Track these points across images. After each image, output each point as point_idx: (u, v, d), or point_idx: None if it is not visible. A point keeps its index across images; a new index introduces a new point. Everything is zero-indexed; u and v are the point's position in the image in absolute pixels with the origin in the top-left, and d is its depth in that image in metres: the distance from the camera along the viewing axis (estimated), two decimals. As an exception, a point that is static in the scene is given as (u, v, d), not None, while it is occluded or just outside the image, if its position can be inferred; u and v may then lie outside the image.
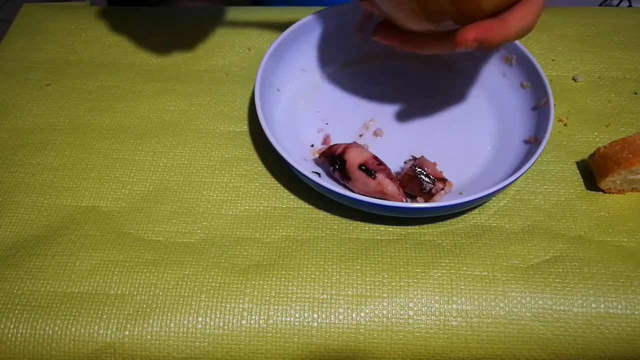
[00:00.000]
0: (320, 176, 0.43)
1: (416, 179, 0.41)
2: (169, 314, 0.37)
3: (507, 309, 0.38)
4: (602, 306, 0.38)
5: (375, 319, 0.37)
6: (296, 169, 0.40)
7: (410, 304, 0.38)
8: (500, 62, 0.49)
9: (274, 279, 0.39)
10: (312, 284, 0.39)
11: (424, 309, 0.38)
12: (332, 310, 0.38)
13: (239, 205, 0.43)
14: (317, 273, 0.39)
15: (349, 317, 0.37)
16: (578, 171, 0.45)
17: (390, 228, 0.42)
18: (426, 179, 0.41)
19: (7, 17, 1.46)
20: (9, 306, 0.37)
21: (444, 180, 0.41)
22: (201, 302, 0.38)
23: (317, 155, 0.45)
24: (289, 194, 0.44)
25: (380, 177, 0.40)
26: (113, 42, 0.55)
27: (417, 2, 0.35)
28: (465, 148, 0.46)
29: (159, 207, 0.43)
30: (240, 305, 0.38)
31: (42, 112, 0.49)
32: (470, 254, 0.40)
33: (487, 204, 0.43)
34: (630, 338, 0.37)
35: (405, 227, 0.42)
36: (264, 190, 0.44)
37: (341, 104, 0.49)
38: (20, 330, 0.36)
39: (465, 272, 0.39)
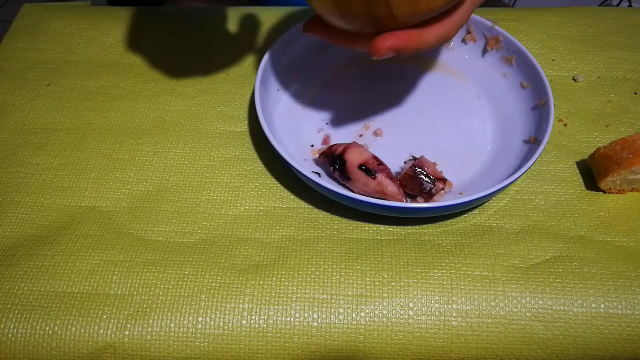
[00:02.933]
0: (320, 176, 0.43)
1: (416, 179, 0.41)
2: (169, 314, 0.37)
3: (507, 309, 0.38)
4: (602, 306, 0.38)
5: (375, 319, 0.37)
6: (296, 169, 0.40)
7: (410, 304, 0.38)
8: (500, 62, 0.49)
9: (274, 279, 0.39)
10: (312, 284, 0.39)
11: (424, 309, 0.38)
12: (332, 310, 0.38)
13: (239, 205, 0.43)
14: (317, 273, 0.39)
15: (349, 317, 0.37)
16: (578, 171, 0.45)
17: (390, 228, 0.42)
18: (426, 179, 0.41)
19: (7, 17, 1.46)
20: (9, 306, 0.37)
21: (444, 180, 0.41)
22: (201, 302, 0.38)
23: (317, 155, 0.45)
24: (289, 194, 0.44)
25: (380, 177, 0.40)
26: (113, 42, 0.55)
27: (336, 7, 0.35)
28: (465, 148, 0.46)
29: (159, 207, 0.43)
30: (240, 305, 0.38)
31: (42, 112, 0.49)
32: (470, 254, 0.40)
33: (487, 204, 0.43)
34: (630, 338, 0.37)
35: (405, 227, 0.42)
36: (264, 190, 0.44)
37: (341, 104, 0.49)
38: (20, 330, 0.36)
39: (465, 272, 0.39)
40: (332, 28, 0.38)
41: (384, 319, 0.37)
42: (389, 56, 0.36)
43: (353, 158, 0.41)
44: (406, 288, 0.38)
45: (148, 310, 0.37)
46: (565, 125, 0.48)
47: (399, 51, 0.35)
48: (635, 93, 0.50)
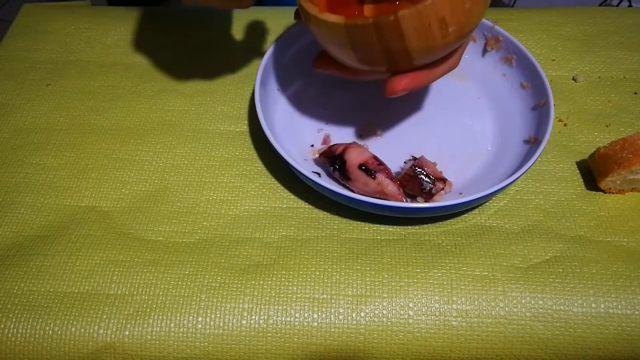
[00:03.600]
0: (320, 176, 0.43)
1: (416, 179, 0.41)
2: (169, 314, 0.37)
3: (507, 309, 0.38)
4: (602, 306, 0.38)
5: (375, 319, 0.37)
6: (296, 169, 0.40)
7: (410, 304, 0.38)
8: (500, 62, 0.49)
9: (274, 279, 0.39)
10: (312, 284, 0.39)
11: (424, 309, 0.38)
12: (332, 310, 0.38)
13: (239, 205, 0.43)
14: (317, 273, 0.39)
15: (349, 317, 0.37)
16: (578, 171, 0.45)
17: (390, 228, 0.42)
18: (426, 179, 0.41)
19: (7, 17, 1.46)
20: (9, 306, 0.37)
21: (444, 180, 0.41)
22: (201, 302, 0.38)
23: (317, 155, 0.45)
24: (289, 194, 0.44)
25: (380, 177, 0.40)
26: (113, 42, 0.55)
27: (354, 55, 0.37)
28: (465, 148, 0.46)
29: (159, 207, 0.43)
30: (240, 305, 0.38)
31: (42, 112, 0.49)
32: (470, 254, 0.40)
33: (487, 204, 0.43)
34: (630, 338, 0.37)
35: (405, 227, 0.42)
36: (264, 190, 0.44)
37: (341, 104, 0.49)
38: (20, 330, 0.36)
39: (465, 272, 0.39)
40: (341, 65, 0.40)
41: (384, 319, 0.37)
42: (402, 94, 0.38)
43: (353, 158, 0.41)
44: (406, 288, 0.38)
45: (148, 310, 0.37)
46: (565, 125, 0.48)
47: (412, 89, 0.38)
48: (635, 93, 0.50)
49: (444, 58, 0.39)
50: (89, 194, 0.44)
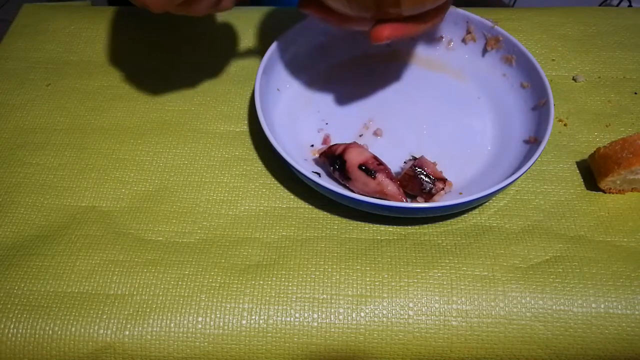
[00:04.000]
0: (320, 176, 0.43)
1: (416, 179, 0.41)
2: (169, 314, 0.37)
3: (507, 309, 0.38)
4: (602, 306, 0.38)
5: (375, 319, 0.37)
6: (296, 169, 0.40)
7: (410, 304, 0.38)
8: (500, 62, 0.49)
9: (274, 279, 0.39)
10: (312, 284, 0.39)
11: (424, 309, 0.38)
12: (332, 310, 0.38)
13: (239, 205, 0.43)
14: (317, 273, 0.39)
15: (349, 317, 0.37)
16: (578, 171, 0.45)
17: (390, 228, 0.42)
18: (426, 179, 0.40)
19: (7, 17, 1.46)
20: (9, 306, 0.37)
21: (444, 180, 0.41)
22: (201, 302, 0.38)
23: (317, 155, 0.45)
24: (289, 194, 0.44)
25: (380, 177, 0.40)
26: (113, 42, 0.55)
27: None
28: (465, 148, 0.46)
29: (159, 207, 0.43)
30: (240, 305, 0.38)
31: (42, 112, 0.49)
32: (470, 254, 0.40)
33: (487, 204, 0.43)
34: (630, 338, 0.37)
35: (405, 227, 0.42)
36: (264, 190, 0.44)
37: (341, 104, 0.49)
38: (20, 330, 0.36)
39: (465, 272, 0.39)
40: (327, 7, 0.40)
41: (384, 319, 0.37)
42: (386, 42, 0.39)
43: (353, 158, 0.41)
44: (406, 288, 0.38)
45: (148, 310, 0.37)
46: (565, 125, 0.48)
47: (396, 39, 0.39)
48: (635, 93, 0.50)
49: (430, 13, 0.39)
50: (89, 194, 0.44)
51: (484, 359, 0.38)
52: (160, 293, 0.38)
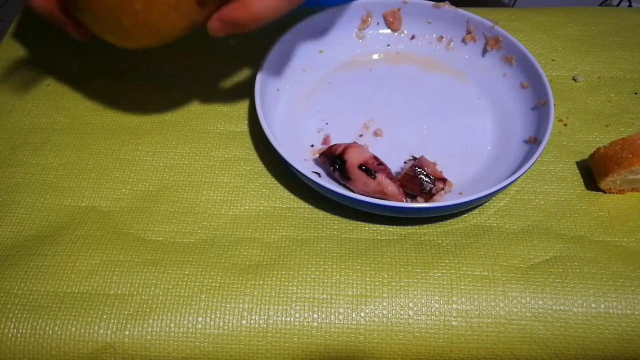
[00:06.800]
0: (320, 176, 0.43)
1: (416, 179, 0.41)
2: (169, 314, 0.37)
3: (507, 309, 0.38)
4: (602, 306, 0.38)
5: (375, 319, 0.37)
6: (296, 169, 0.40)
7: (410, 304, 0.38)
8: (500, 62, 0.49)
9: (274, 279, 0.39)
10: (312, 284, 0.39)
11: (424, 309, 0.38)
12: (332, 310, 0.38)
13: (239, 205, 0.43)
14: (317, 273, 0.39)
15: (349, 317, 0.37)
16: (578, 171, 0.45)
17: (390, 228, 0.42)
18: (426, 179, 0.40)
19: (7, 17, 1.46)
20: (9, 306, 0.37)
21: (444, 180, 0.41)
22: (201, 302, 0.38)
23: (317, 155, 0.45)
24: (289, 194, 0.44)
25: (380, 177, 0.40)
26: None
27: None
28: (465, 148, 0.46)
29: (159, 207, 0.43)
30: (240, 305, 0.38)
31: (42, 112, 0.49)
32: (470, 254, 0.40)
33: (487, 204, 0.43)
34: (630, 338, 0.37)
35: (405, 227, 0.42)
36: (264, 190, 0.44)
37: (341, 104, 0.49)
38: (20, 330, 0.36)
39: (465, 272, 0.39)
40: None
41: (384, 319, 0.37)
42: (227, 33, 0.37)
43: (353, 158, 0.41)
44: (406, 288, 0.38)
45: (148, 310, 0.37)
46: (565, 125, 0.48)
47: (230, 24, 0.36)
48: (635, 93, 0.50)
49: None
50: (89, 194, 0.44)
51: (483, 359, 0.38)
52: (160, 293, 0.38)
